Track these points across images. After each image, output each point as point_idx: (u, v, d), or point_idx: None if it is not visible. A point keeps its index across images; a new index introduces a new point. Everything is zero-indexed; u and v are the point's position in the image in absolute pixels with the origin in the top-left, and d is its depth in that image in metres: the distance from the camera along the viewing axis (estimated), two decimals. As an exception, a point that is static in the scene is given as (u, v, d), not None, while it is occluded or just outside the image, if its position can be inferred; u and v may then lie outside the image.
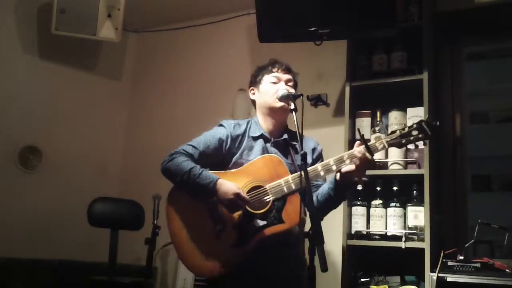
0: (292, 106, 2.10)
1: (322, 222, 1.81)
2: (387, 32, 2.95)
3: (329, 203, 2.17)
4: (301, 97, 2.21)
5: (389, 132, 2.11)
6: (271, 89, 2.29)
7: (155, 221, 2.96)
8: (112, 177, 4.10)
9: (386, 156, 2.88)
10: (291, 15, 3.01)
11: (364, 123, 3.01)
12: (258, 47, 3.38)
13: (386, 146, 2.05)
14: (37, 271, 3.37)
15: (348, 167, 2.03)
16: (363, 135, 2.05)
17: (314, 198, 2.20)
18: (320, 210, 2.20)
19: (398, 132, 2.05)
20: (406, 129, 2.04)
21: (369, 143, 2.03)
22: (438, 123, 2.04)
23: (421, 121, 2.05)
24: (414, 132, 2.02)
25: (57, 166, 3.78)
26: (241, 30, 3.81)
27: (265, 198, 2.12)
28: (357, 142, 2.06)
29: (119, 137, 4.23)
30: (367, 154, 2.00)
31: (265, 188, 2.13)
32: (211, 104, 3.87)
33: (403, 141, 2.03)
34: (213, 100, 3.87)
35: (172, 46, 4.18)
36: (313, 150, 2.33)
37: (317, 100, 3.33)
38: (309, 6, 2.96)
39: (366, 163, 2.01)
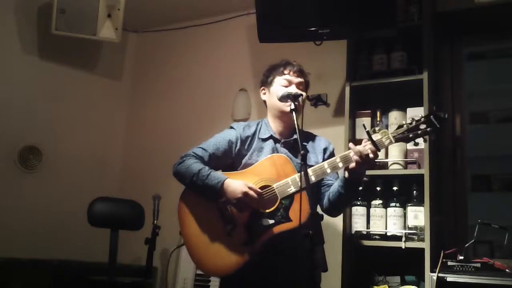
0: (292, 106, 2.11)
1: (322, 222, 1.82)
2: (387, 32, 2.95)
3: (341, 201, 2.19)
4: (301, 97, 2.21)
5: (397, 127, 2.08)
6: (282, 92, 2.27)
7: (155, 221, 2.95)
8: (112, 177, 4.10)
9: (386, 156, 2.88)
10: (291, 15, 3.01)
11: (364, 123, 3.00)
12: (258, 47, 3.39)
13: (393, 141, 2.04)
14: (37, 271, 3.36)
15: (353, 164, 2.04)
16: (368, 131, 2.04)
17: (326, 197, 2.23)
18: (334, 209, 2.24)
19: (405, 126, 2.03)
20: (414, 123, 2.02)
21: (375, 138, 2.02)
22: (446, 115, 2.02)
23: (429, 114, 2.04)
24: (422, 126, 2.01)
25: (57, 166, 3.78)
26: (241, 30, 3.81)
27: (272, 197, 2.14)
28: (364, 139, 2.06)
29: (119, 137, 4.23)
30: (370, 153, 1.99)
31: (272, 187, 2.15)
32: (211, 104, 3.87)
33: (411, 135, 2.02)
34: (213, 100, 3.87)
35: (172, 46, 4.18)
36: (325, 149, 2.35)
37: (317, 100, 3.34)
38: (309, 6, 2.96)
39: (370, 159, 2.01)
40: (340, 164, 2.09)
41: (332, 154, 2.35)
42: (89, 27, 3.59)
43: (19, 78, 3.68)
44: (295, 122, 2.05)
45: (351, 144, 2.06)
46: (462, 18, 3.08)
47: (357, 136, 2.99)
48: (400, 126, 2.05)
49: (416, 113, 2.84)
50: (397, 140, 2.04)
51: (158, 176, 3.61)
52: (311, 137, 2.41)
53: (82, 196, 3.44)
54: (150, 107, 4.19)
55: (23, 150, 3.64)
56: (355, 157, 2.02)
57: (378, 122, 2.97)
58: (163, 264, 3.72)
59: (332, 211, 2.26)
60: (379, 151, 2.03)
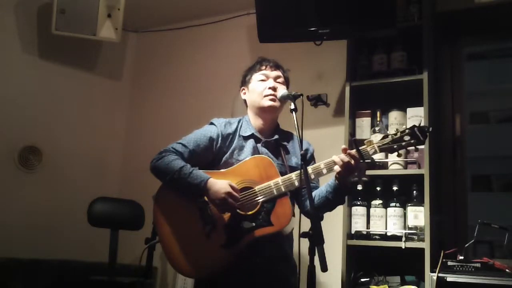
0: (292, 106, 2.09)
1: (322, 222, 1.81)
2: (387, 32, 2.95)
3: (325, 206, 2.18)
4: (301, 97, 2.21)
5: (382, 136, 2.11)
6: (259, 87, 2.29)
7: (155, 221, 2.95)
8: (112, 177, 4.10)
9: (386, 156, 2.88)
10: (291, 15, 3.01)
11: (364, 123, 3.01)
12: (258, 47, 3.38)
13: (378, 151, 2.07)
14: (37, 271, 3.36)
15: (338, 168, 2.04)
16: (354, 139, 2.07)
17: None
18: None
19: (390, 137, 2.07)
20: (398, 134, 2.05)
21: (360, 147, 2.05)
22: (430, 129, 2.06)
23: (413, 126, 2.06)
24: (406, 138, 2.04)
25: (57, 166, 3.78)
26: (241, 30, 3.81)
27: (254, 199, 2.11)
28: (343, 147, 2.06)
29: (119, 137, 4.23)
30: (352, 160, 2.01)
31: (254, 189, 2.12)
32: (211, 104, 3.87)
33: (395, 146, 2.05)
34: (213, 100, 3.86)
35: (172, 46, 4.18)
36: (306, 150, 2.33)
37: (317, 100, 3.32)
38: (309, 6, 2.96)
39: (352, 166, 2.02)
40: (324, 171, 2.09)
41: (312, 156, 2.34)
42: (89, 27, 3.59)
43: (19, 78, 3.68)
44: (295, 122, 2.03)
45: (334, 156, 2.07)
46: (462, 18, 3.08)
47: (357, 136, 2.99)
48: (385, 136, 2.08)
49: (416, 113, 2.85)
50: (382, 150, 2.07)
51: (158, 176, 3.60)
52: (291, 137, 2.37)
53: (82, 196, 3.44)
54: (150, 107, 4.19)
55: (23, 150, 3.64)
56: (337, 167, 2.03)
57: (378, 122, 2.97)
58: (163, 264, 3.72)
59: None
60: (364, 160, 2.04)
